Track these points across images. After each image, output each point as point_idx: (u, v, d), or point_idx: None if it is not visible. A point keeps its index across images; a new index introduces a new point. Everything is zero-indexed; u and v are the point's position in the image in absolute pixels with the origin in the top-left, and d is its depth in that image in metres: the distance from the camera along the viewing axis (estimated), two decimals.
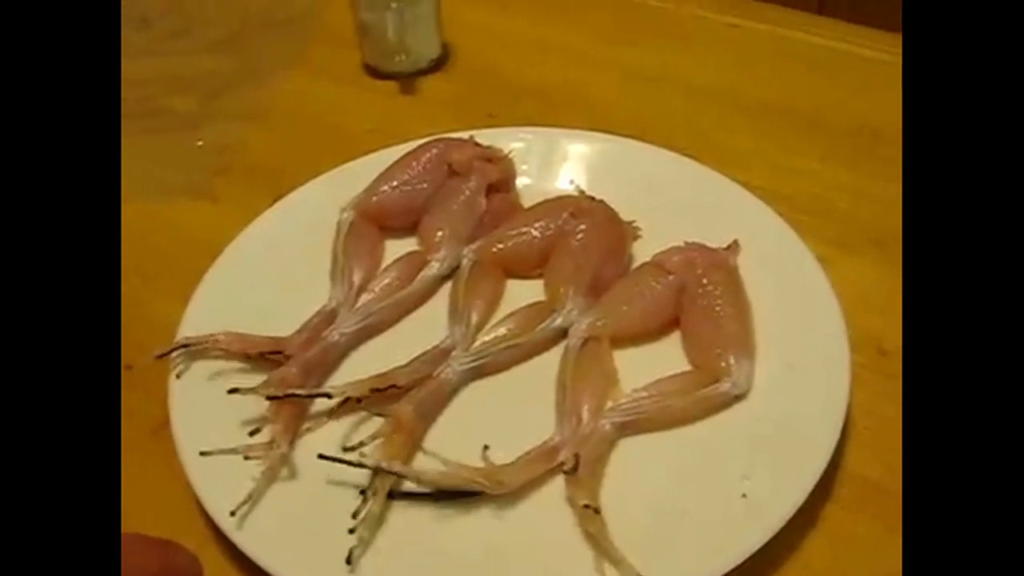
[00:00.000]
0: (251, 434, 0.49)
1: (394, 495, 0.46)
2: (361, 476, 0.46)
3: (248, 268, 0.58)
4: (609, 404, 0.49)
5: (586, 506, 0.44)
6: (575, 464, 0.45)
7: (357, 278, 0.57)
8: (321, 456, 0.46)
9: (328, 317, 0.55)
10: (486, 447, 0.46)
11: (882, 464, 0.48)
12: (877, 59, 0.77)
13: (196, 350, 0.52)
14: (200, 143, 0.73)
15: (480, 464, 0.46)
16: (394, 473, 0.45)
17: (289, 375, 0.50)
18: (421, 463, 0.48)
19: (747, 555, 0.42)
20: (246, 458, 0.48)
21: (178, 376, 0.52)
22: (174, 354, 0.52)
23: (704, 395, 0.49)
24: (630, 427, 0.48)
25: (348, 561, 0.44)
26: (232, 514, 0.45)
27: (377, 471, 0.46)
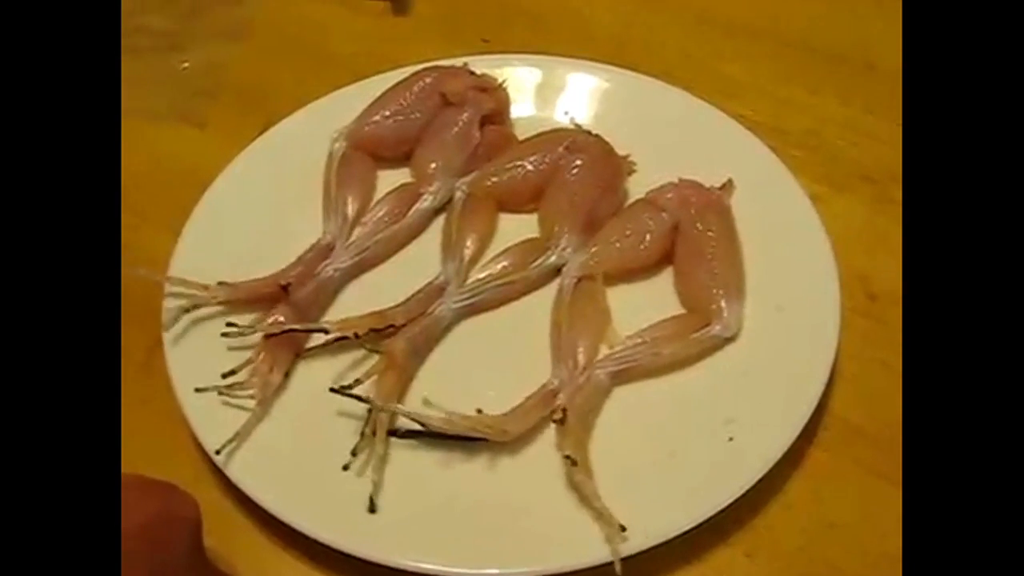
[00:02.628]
0: (235, 371, 0.49)
1: (398, 433, 0.47)
2: (356, 411, 0.47)
3: (239, 201, 0.58)
4: (603, 353, 0.50)
5: (567, 456, 0.45)
6: (563, 416, 0.46)
7: (351, 210, 0.57)
8: (332, 390, 0.47)
9: (323, 251, 0.55)
10: (479, 411, 0.46)
11: (866, 408, 0.49)
12: None
13: (196, 306, 0.52)
14: (185, 65, 0.71)
15: (469, 405, 0.47)
16: (402, 414, 0.46)
17: (285, 311, 0.50)
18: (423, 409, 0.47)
19: (732, 498, 0.44)
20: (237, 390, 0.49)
21: (171, 326, 0.52)
22: (171, 296, 0.52)
23: (695, 339, 0.49)
24: (623, 375, 0.49)
25: (372, 510, 0.45)
26: (218, 452, 0.46)
27: (383, 410, 0.46)
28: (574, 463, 0.44)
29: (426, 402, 0.46)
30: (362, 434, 0.46)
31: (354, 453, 0.46)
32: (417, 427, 0.46)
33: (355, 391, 0.47)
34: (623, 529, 0.42)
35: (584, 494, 0.44)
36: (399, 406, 0.47)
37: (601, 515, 0.43)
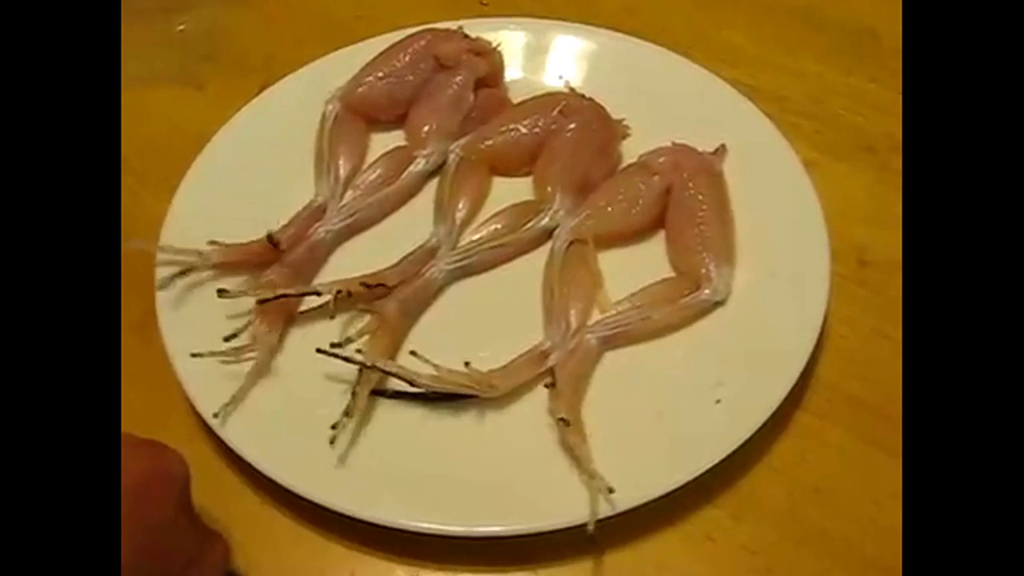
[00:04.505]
0: (236, 334, 0.49)
1: (386, 394, 0.47)
2: (347, 373, 0.47)
3: (234, 162, 0.58)
4: (593, 319, 0.50)
5: (561, 419, 0.45)
6: (553, 379, 0.46)
7: (343, 172, 0.57)
8: (319, 351, 0.47)
9: (316, 212, 0.55)
10: (467, 363, 0.47)
11: (855, 374, 0.49)
12: None
13: (189, 270, 0.52)
14: (181, 27, 0.71)
15: (461, 366, 0.47)
16: (390, 373, 0.46)
17: (278, 274, 0.51)
18: (411, 364, 0.48)
19: (718, 459, 0.44)
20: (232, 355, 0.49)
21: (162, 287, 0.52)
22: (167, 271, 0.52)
23: (685, 303, 0.49)
24: (614, 340, 0.49)
25: (331, 442, 0.45)
26: (215, 416, 0.46)
27: (372, 368, 0.46)
28: (567, 425, 0.45)
29: (413, 353, 0.46)
30: (353, 394, 0.46)
31: (347, 414, 0.46)
32: (405, 387, 0.46)
33: (347, 351, 0.47)
34: (611, 491, 0.42)
35: (577, 455, 0.44)
36: (387, 362, 0.47)
37: (592, 477, 0.43)
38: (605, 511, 0.43)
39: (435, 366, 0.46)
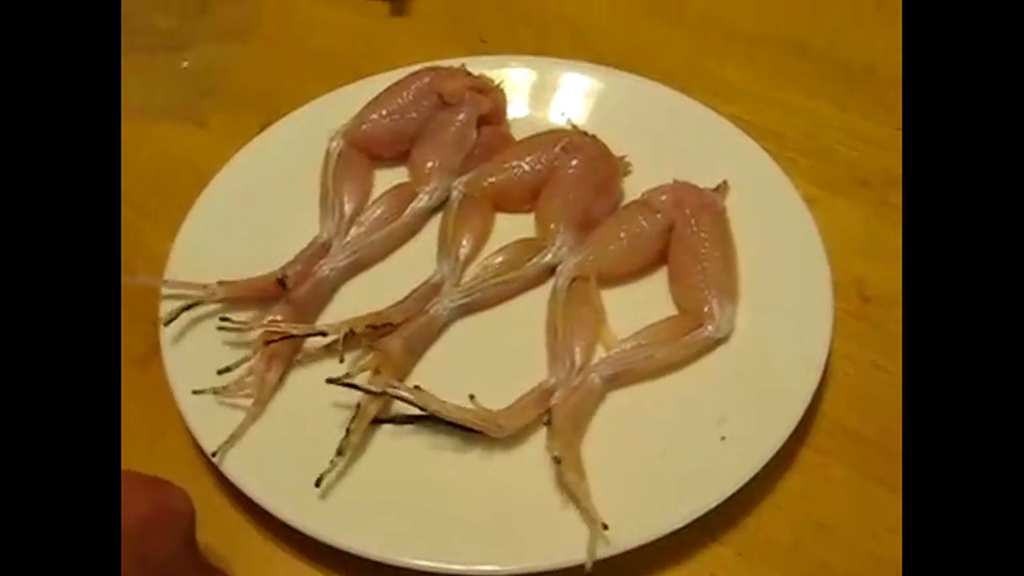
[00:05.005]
0: (230, 368, 0.49)
1: (396, 419, 0.47)
2: (350, 409, 0.47)
3: (237, 199, 0.58)
4: (597, 358, 0.50)
5: (555, 457, 0.45)
6: (550, 417, 0.46)
7: (348, 209, 0.57)
8: (329, 380, 0.47)
9: (321, 249, 0.55)
10: (472, 396, 0.47)
11: (859, 410, 0.49)
12: None
13: (195, 304, 0.52)
14: (185, 64, 0.71)
15: (466, 402, 0.47)
16: (401, 397, 0.46)
17: (282, 313, 0.51)
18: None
19: (723, 497, 0.44)
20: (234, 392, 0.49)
21: (168, 322, 0.52)
22: (172, 305, 0.52)
23: (688, 340, 0.49)
24: (618, 379, 0.49)
25: (317, 484, 0.45)
26: (214, 454, 0.46)
27: (384, 395, 0.46)
28: (559, 463, 0.44)
29: (417, 389, 0.46)
30: (347, 431, 0.46)
31: (340, 452, 0.46)
32: (412, 411, 0.47)
33: (357, 379, 0.47)
34: (605, 527, 0.42)
35: (573, 493, 0.44)
36: (395, 386, 0.46)
37: (586, 514, 0.43)
38: (610, 550, 0.42)
39: (441, 401, 0.46)
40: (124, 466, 0.39)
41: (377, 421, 0.47)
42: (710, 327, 0.49)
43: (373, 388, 0.46)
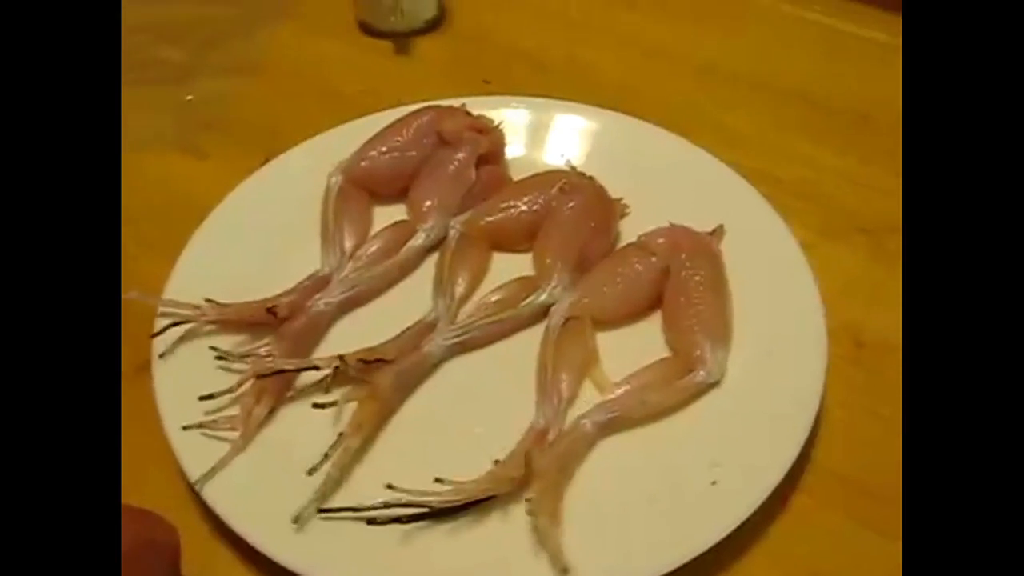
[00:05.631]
0: (212, 395, 0.49)
1: (402, 520, 0.45)
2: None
3: (235, 231, 0.58)
4: (590, 403, 0.49)
5: (527, 500, 0.44)
6: (528, 461, 0.45)
7: (348, 244, 0.58)
8: (316, 405, 0.48)
9: (319, 282, 0.55)
10: (495, 465, 0.46)
11: (852, 457, 0.49)
12: (874, 39, 0.76)
13: (184, 322, 0.52)
14: (190, 97, 0.72)
15: (459, 443, 0.47)
16: (410, 506, 0.44)
17: (276, 346, 0.51)
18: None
19: (714, 541, 0.43)
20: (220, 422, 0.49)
21: (155, 335, 0.52)
22: (163, 323, 0.52)
23: (680, 386, 0.49)
24: (610, 425, 0.48)
25: (295, 521, 0.45)
26: (194, 485, 0.46)
27: (391, 506, 0.45)
28: (530, 507, 0.44)
29: (439, 480, 0.45)
30: (326, 455, 0.46)
31: (310, 473, 0.46)
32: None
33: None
34: (565, 570, 0.42)
35: (542, 537, 0.43)
36: (407, 495, 0.45)
37: (552, 558, 0.43)
38: None
39: (456, 483, 0.45)
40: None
41: (382, 523, 0.45)
42: (702, 371, 0.49)
43: (382, 504, 0.45)
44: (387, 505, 0.45)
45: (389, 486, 0.45)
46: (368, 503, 0.46)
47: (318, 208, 0.59)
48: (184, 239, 0.58)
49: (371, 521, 0.45)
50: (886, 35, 0.76)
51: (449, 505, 0.45)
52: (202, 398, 0.48)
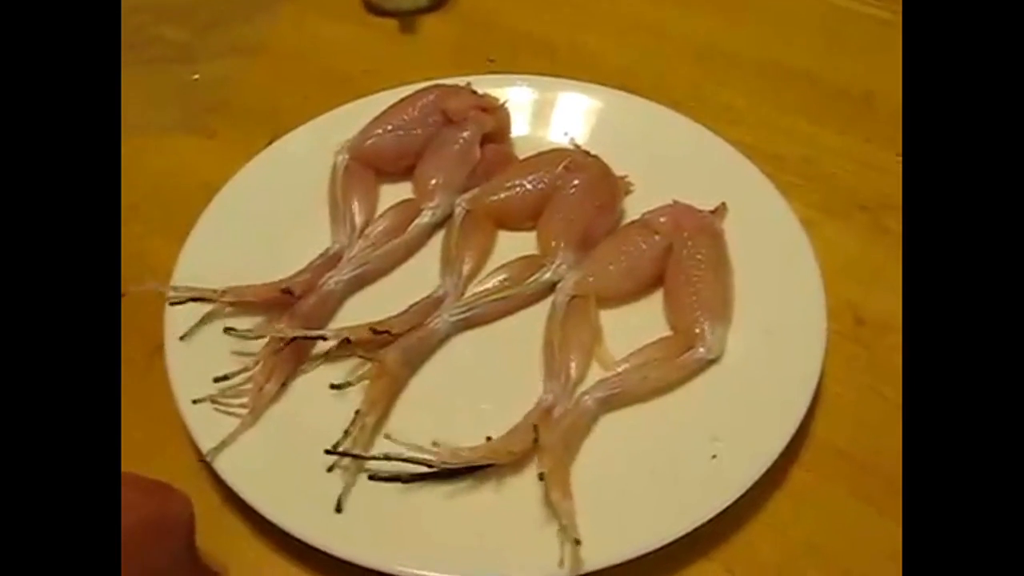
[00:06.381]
0: (227, 376, 0.50)
1: (402, 478, 0.46)
2: (348, 419, 0.48)
3: (243, 211, 0.59)
4: (592, 379, 0.50)
5: (540, 475, 0.45)
6: (536, 435, 0.46)
7: (359, 220, 0.58)
8: (333, 386, 0.49)
9: (332, 260, 0.56)
10: (489, 438, 0.47)
11: (849, 432, 0.50)
12: (876, 17, 0.76)
13: (203, 298, 0.53)
14: (196, 76, 0.73)
15: (465, 418, 0.48)
16: (409, 460, 0.46)
17: (288, 324, 0.52)
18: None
19: (712, 514, 0.44)
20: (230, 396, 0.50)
21: (175, 302, 0.52)
22: (173, 296, 0.53)
23: (680, 362, 0.50)
24: (611, 401, 0.49)
25: (338, 510, 0.46)
26: (205, 456, 0.47)
27: (391, 460, 0.46)
28: (541, 479, 0.45)
29: (435, 444, 0.46)
30: (346, 432, 0.47)
31: (336, 450, 0.47)
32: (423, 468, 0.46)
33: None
34: (578, 543, 0.43)
35: (556, 511, 0.44)
36: (409, 451, 0.46)
37: (564, 531, 0.43)
38: (600, 563, 0.43)
39: (454, 448, 0.46)
40: (126, 469, 0.39)
41: (381, 479, 0.46)
42: (701, 348, 0.50)
43: (379, 455, 0.46)
44: (387, 457, 0.46)
45: (387, 436, 0.47)
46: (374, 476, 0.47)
47: (324, 188, 0.60)
48: (191, 219, 0.58)
49: (372, 477, 0.46)
50: (888, 13, 0.76)
51: (448, 466, 0.46)
52: (217, 379, 0.49)
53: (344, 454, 0.47)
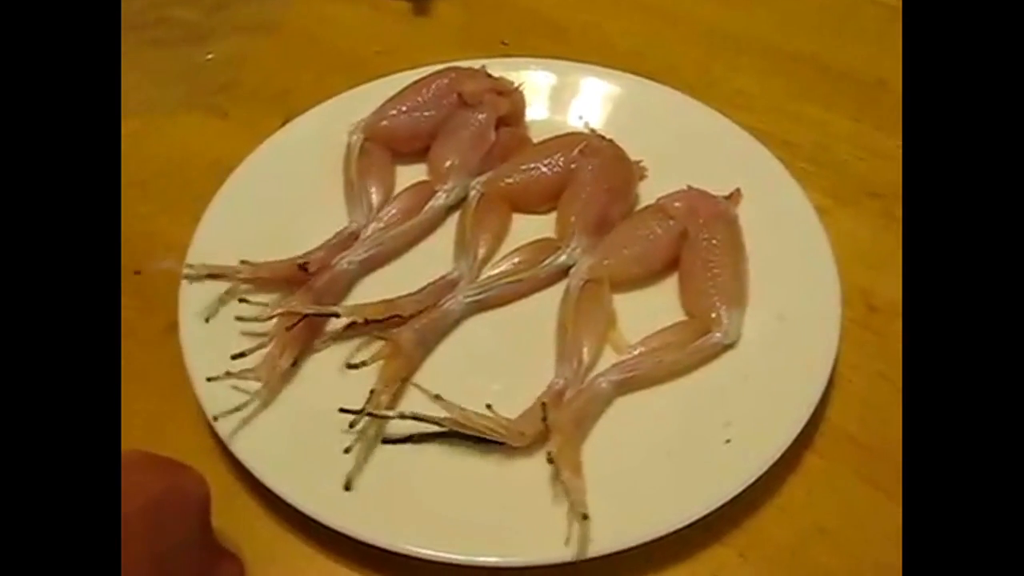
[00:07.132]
0: (244, 353, 0.50)
1: (412, 439, 0.47)
2: (361, 398, 0.48)
3: (257, 191, 0.59)
4: (607, 362, 0.50)
5: (549, 455, 0.45)
6: (544, 415, 0.46)
7: (375, 199, 0.58)
8: (350, 366, 0.49)
9: (348, 239, 0.56)
10: (488, 406, 0.47)
11: (863, 418, 0.50)
12: (887, 4, 0.76)
13: (219, 275, 0.53)
14: (210, 56, 0.72)
15: (477, 399, 0.48)
16: (418, 418, 0.46)
17: (301, 302, 0.52)
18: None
19: (727, 498, 0.45)
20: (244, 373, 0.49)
21: (191, 277, 0.53)
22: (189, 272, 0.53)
23: (695, 347, 0.50)
24: (626, 384, 0.49)
25: (347, 487, 0.46)
26: (215, 419, 0.48)
27: (403, 418, 0.47)
28: (551, 461, 0.45)
29: (438, 398, 0.47)
30: (362, 410, 0.47)
31: (354, 420, 0.47)
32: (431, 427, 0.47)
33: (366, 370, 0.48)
34: (585, 517, 0.43)
35: (566, 491, 0.44)
36: (415, 412, 0.47)
37: (574, 510, 0.43)
38: (614, 546, 0.43)
39: (462, 410, 0.47)
40: (140, 448, 0.40)
41: (391, 441, 0.48)
42: (717, 333, 0.50)
43: (397, 414, 0.47)
44: (402, 416, 0.46)
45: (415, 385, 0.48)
46: (389, 457, 0.47)
47: (338, 169, 0.60)
48: (204, 199, 0.58)
49: (386, 440, 0.47)
50: (899, 0, 0.75)
51: (458, 429, 0.46)
52: (234, 356, 0.49)
53: (362, 412, 0.47)
